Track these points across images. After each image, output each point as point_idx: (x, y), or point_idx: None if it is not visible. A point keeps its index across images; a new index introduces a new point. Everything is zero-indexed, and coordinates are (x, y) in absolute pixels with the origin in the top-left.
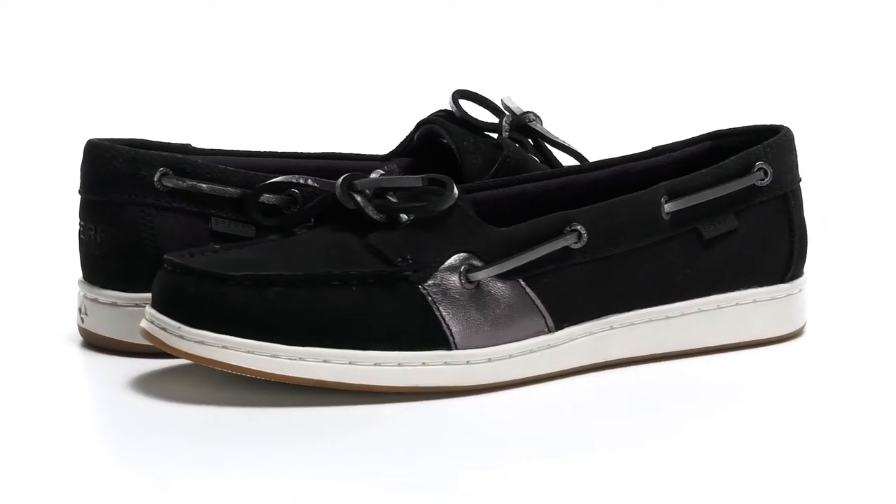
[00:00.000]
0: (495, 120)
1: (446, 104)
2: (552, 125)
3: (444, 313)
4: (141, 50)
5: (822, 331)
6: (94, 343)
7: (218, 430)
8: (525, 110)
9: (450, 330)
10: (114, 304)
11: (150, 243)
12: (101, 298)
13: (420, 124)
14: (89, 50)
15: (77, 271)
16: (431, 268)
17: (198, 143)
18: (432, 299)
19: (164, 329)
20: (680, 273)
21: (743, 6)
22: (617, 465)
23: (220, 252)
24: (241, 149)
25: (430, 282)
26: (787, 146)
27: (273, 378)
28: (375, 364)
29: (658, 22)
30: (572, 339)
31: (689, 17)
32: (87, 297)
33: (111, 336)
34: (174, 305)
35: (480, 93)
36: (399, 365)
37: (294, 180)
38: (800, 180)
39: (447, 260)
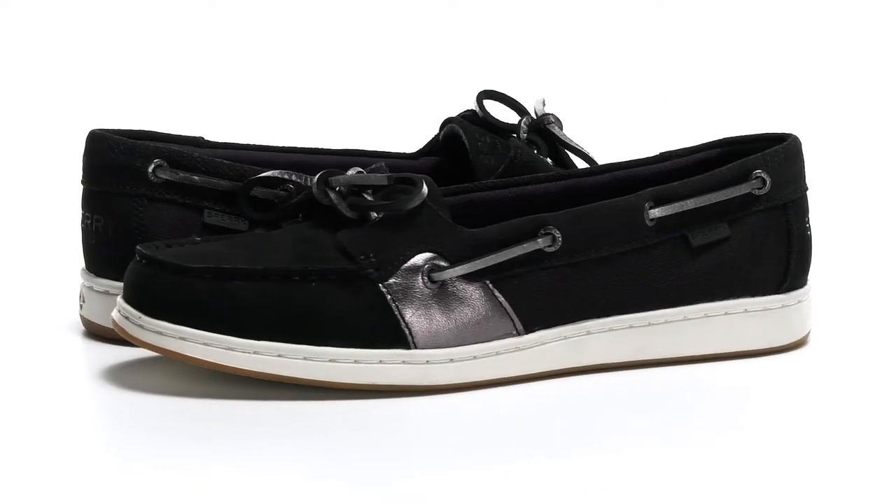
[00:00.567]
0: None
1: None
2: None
3: (403, 312)
4: (173, 41)
5: (826, 342)
6: (91, 331)
7: (191, 421)
8: (546, 112)
9: (409, 329)
10: (106, 293)
11: (141, 234)
12: (95, 287)
13: (444, 124)
14: (117, 45)
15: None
16: (394, 266)
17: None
18: (392, 298)
19: (126, 318)
20: (663, 280)
21: (747, 7)
22: (576, 470)
23: (197, 244)
24: (256, 143)
25: (391, 280)
26: (790, 155)
27: (228, 371)
28: (331, 360)
29: (658, 23)
30: (544, 343)
31: (691, 18)
32: (85, 286)
33: (104, 324)
34: (138, 295)
35: (509, 93)
36: (355, 362)
37: (282, 175)
38: (806, 189)
39: (410, 259)
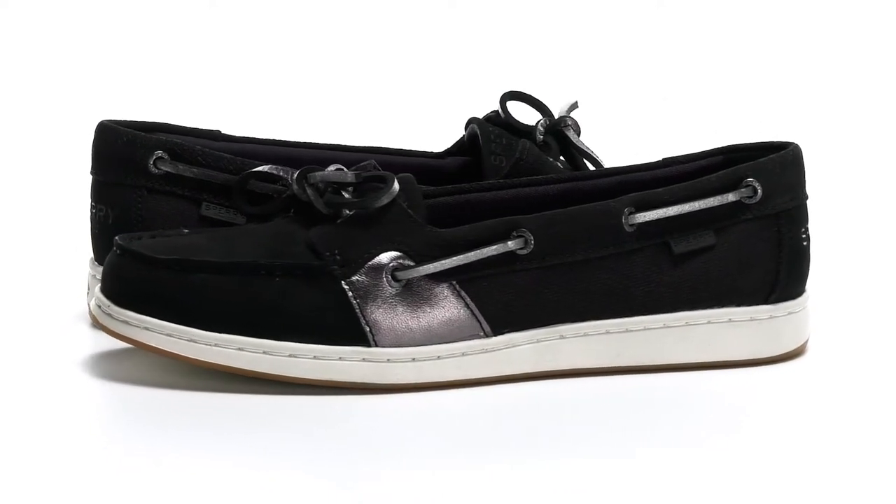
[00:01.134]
0: None
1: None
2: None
3: (365, 310)
4: (201, 35)
5: (822, 353)
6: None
7: (192, 414)
8: (564, 115)
9: (369, 327)
10: None
11: (140, 225)
12: (98, 276)
13: (468, 123)
14: (140, 39)
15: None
16: (358, 264)
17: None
18: (354, 295)
19: (99, 307)
20: (641, 287)
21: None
22: (529, 475)
23: (179, 236)
24: (275, 138)
25: (354, 278)
26: (787, 164)
27: (191, 363)
28: (290, 355)
29: (660, 23)
30: (514, 346)
31: (695, 18)
32: (91, 275)
33: None
34: (111, 286)
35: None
36: (314, 358)
37: (272, 171)
38: (805, 198)
39: (376, 257)
